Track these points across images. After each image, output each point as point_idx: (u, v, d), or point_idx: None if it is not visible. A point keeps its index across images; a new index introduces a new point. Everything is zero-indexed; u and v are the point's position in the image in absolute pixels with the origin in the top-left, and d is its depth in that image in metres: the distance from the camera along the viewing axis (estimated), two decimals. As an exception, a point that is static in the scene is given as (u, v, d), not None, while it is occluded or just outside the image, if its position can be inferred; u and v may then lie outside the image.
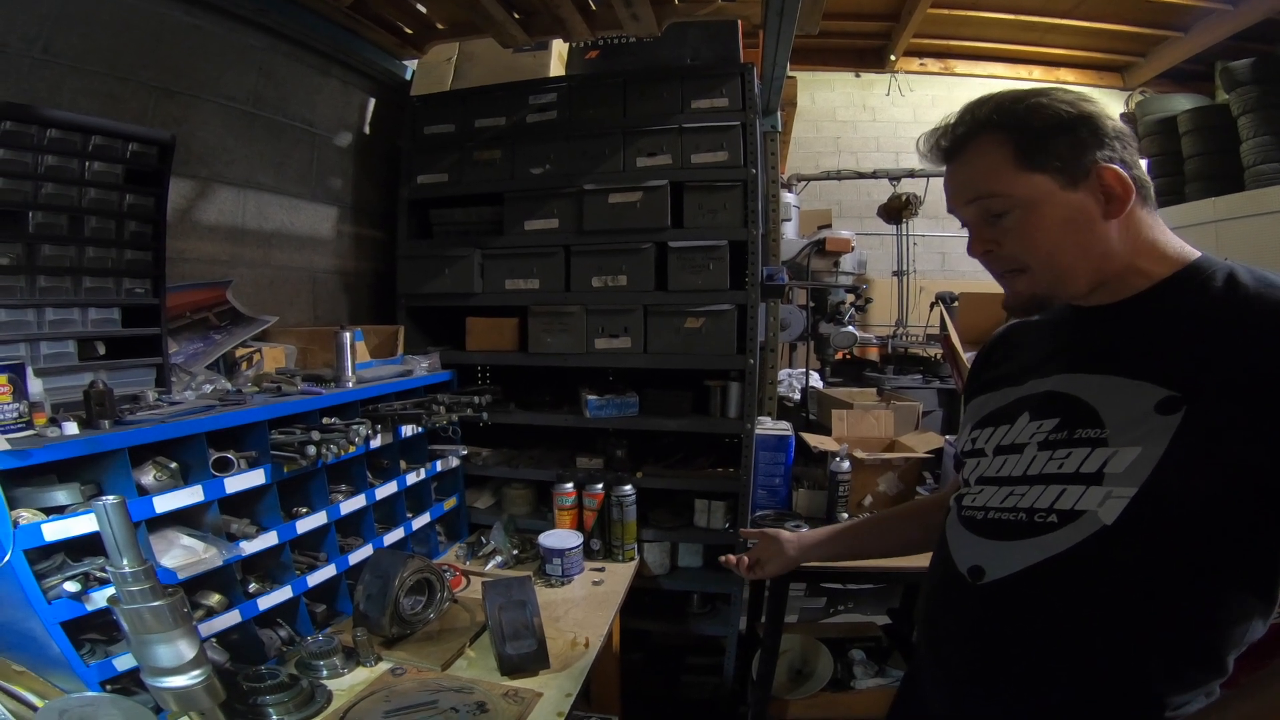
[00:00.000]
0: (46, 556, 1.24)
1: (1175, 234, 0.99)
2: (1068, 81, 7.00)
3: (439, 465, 2.40)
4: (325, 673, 1.63)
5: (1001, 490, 1.02)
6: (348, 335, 2.02)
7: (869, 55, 7.03)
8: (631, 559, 2.45)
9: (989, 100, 1.00)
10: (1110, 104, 6.99)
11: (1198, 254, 0.98)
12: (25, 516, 1.19)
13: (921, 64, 7.01)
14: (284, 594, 1.70)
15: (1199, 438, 0.84)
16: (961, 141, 1.00)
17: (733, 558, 1.67)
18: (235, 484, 1.55)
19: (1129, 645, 0.90)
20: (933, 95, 6.96)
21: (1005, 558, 0.98)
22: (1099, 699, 0.93)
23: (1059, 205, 0.95)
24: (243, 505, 1.65)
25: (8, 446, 1.18)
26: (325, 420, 1.85)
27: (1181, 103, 6.17)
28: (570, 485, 2.45)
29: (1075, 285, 0.98)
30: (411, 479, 2.23)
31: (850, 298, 4.36)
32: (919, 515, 1.44)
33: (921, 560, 2.14)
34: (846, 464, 2.34)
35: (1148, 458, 0.87)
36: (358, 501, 1.97)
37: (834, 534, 1.58)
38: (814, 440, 2.54)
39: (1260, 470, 0.82)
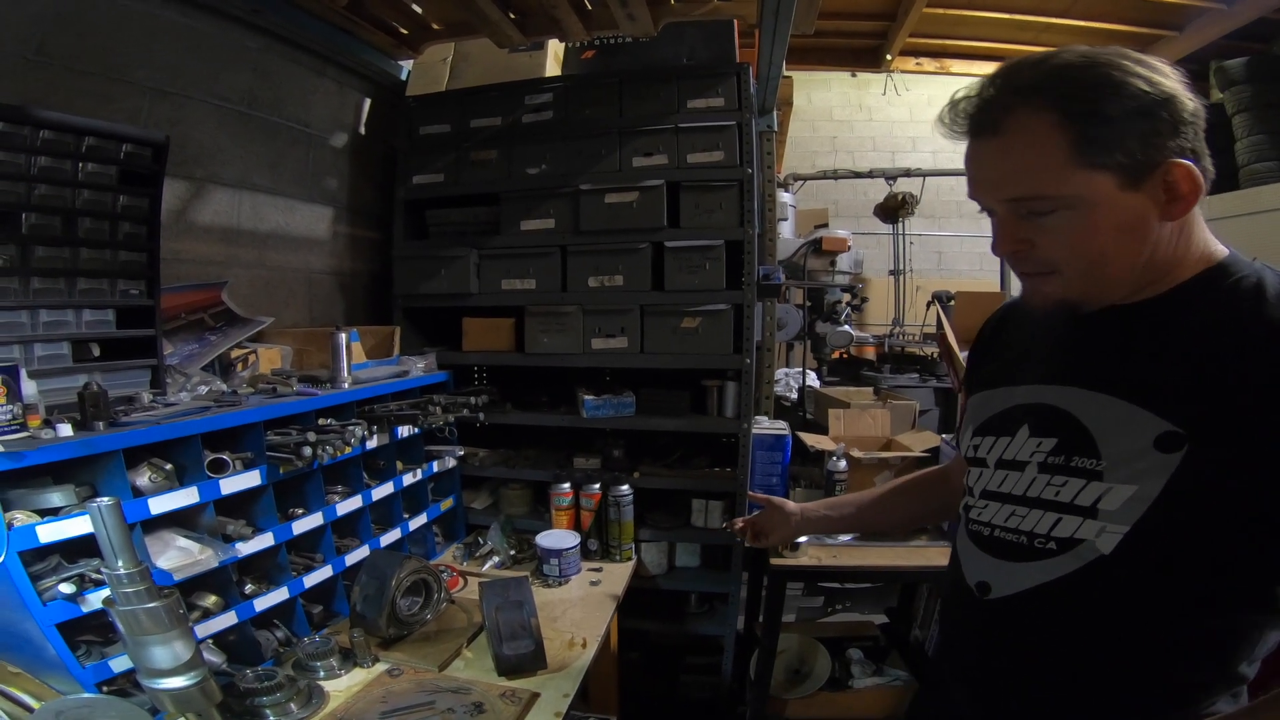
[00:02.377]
0: (42, 558, 1.24)
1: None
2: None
3: (435, 466, 2.40)
4: (322, 674, 1.62)
5: (1004, 509, 0.99)
6: (343, 336, 2.01)
7: (865, 55, 7.03)
8: (629, 559, 2.45)
9: (1043, 63, 0.81)
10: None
11: (1225, 252, 0.87)
12: (20, 518, 1.19)
13: (918, 63, 7.01)
14: (280, 595, 1.69)
15: (1197, 479, 0.79)
16: (1001, 114, 0.82)
17: (739, 521, 1.66)
18: (231, 485, 1.55)
19: (1137, 663, 0.89)
20: (929, 95, 6.96)
21: (1010, 577, 0.97)
22: (1108, 713, 0.92)
23: (1115, 209, 0.81)
24: (238, 506, 1.64)
25: (2, 448, 1.17)
26: (321, 421, 1.85)
27: (1176, 102, 6.18)
28: (567, 485, 2.44)
29: (1114, 293, 0.88)
30: (408, 480, 2.22)
31: (846, 297, 4.37)
32: (919, 491, 1.43)
33: (917, 559, 2.16)
34: (843, 463, 2.33)
35: (1142, 498, 0.82)
36: (354, 502, 1.97)
37: (835, 509, 1.55)
38: (811, 439, 2.54)
39: (1260, 503, 0.78)
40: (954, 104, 0.87)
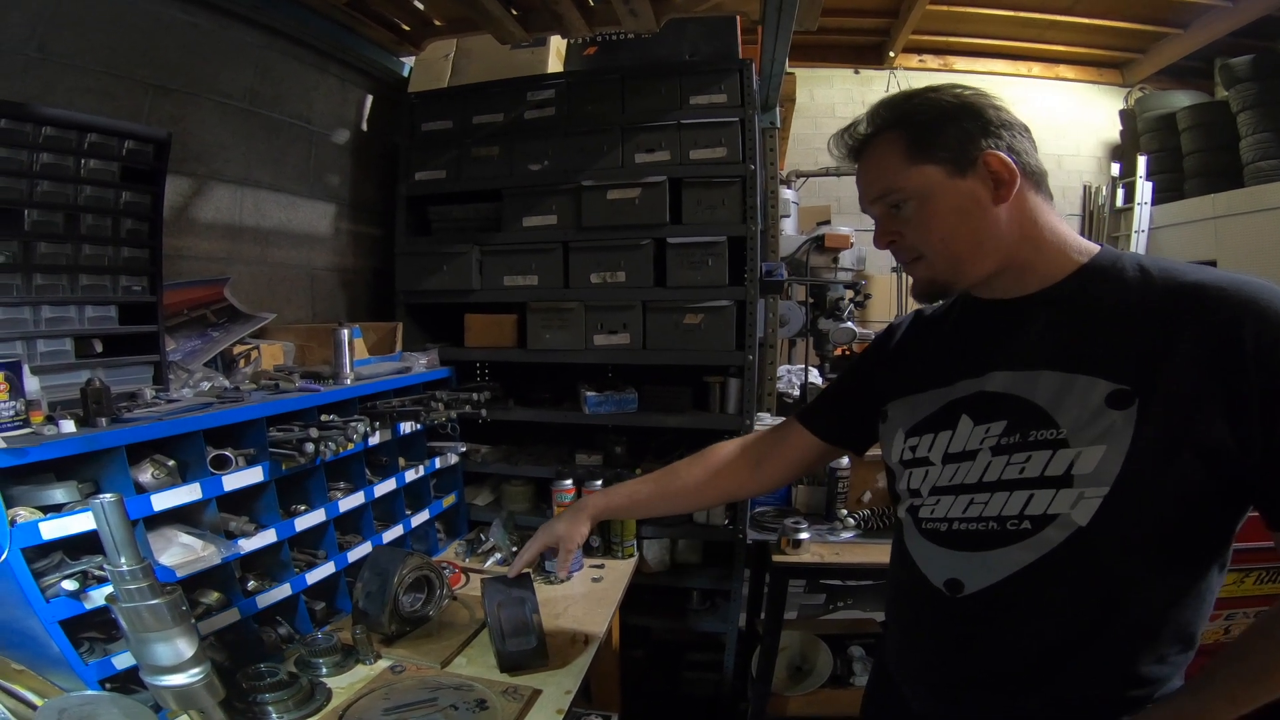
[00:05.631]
0: (44, 555, 1.24)
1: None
2: (1067, 78, 7.00)
3: (438, 462, 2.40)
4: (324, 670, 1.62)
5: (961, 499, 1.01)
6: (346, 332, 2.01)
7: (868, 52, 7.01)
8: (631, 555, 2.44)
9: (888, 101, 1.05)
10: (1110, 100, 6.99)
11: (1098, 247, 1.01)
12: (23, 515, 1.19)
13: (921, 61, 7.00)
14: (283, 592, 1.69)
15: (1160, 428, 0.85)
16: (864, 142, 1.06)
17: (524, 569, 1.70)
18: (233, 481, 1.54)
19: (1117, 635, 0.92)
20: (932, 92, 6.95)
21: (984, 568, 0.98)
22: (1093, 690, 0.94)
23: (949, 193, 0.98)
24: (241, 503, 1.64)
25: (4, 445, 1.17)
26: (323, 417, 1.84)
27: (1181, 99, 6.17)
28: (569, 482, 2.44)
29: (973, 271, 1.01)
30: (410, 476, 2.22)
31: (849, 294, 4.35)
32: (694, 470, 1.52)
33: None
34: (845, 460, 2.34)
35: (1115, 455, 0.87)
36: (356, 499, 1.96)
37: (612, 496, 1.65)
38: (813, 437, 2.53)
39: (1220, 451, 0.84)
40: (840, 141, 1.09)
